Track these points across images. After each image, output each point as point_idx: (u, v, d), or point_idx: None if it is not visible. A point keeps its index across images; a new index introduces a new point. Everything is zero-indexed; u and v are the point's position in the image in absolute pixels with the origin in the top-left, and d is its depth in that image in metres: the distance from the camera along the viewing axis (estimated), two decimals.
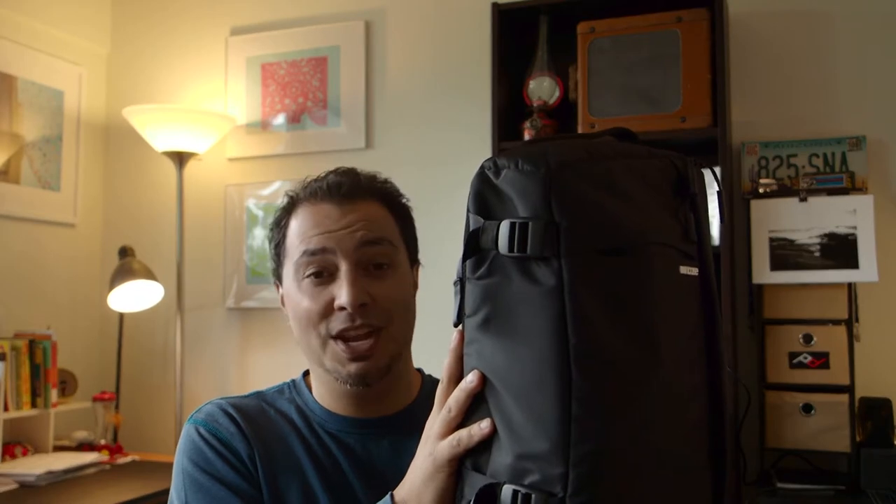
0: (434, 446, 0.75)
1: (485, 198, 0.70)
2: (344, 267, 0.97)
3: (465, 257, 0.71)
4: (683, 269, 0.71)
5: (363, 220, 1.00)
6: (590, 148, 0.70)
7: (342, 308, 0.96)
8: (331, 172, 1.04)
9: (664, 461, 0.67)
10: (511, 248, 0.66)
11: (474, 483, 0.70)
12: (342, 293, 0.96)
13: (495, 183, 0.69)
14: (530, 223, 0.66)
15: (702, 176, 0.77)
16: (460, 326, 0.73)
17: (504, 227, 0.67)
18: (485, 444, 0.70)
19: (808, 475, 2.10)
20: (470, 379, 0.71)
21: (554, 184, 0.66)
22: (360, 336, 0.97)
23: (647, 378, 0.66)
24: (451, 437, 0.73)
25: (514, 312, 0.67)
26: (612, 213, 0.67)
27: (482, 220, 0.70)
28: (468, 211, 0.72)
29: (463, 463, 0.72)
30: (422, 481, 0.77)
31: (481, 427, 0.70)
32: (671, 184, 0.73)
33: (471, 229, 0.71)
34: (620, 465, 0.64)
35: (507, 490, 0.66)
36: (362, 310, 0.96)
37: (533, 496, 0.64)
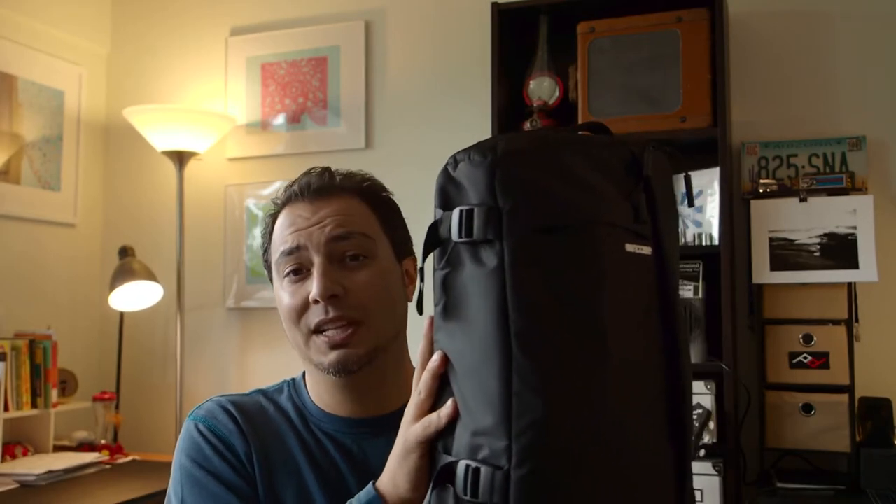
0: (407, 429, 0.77)
1: (446, 191, 0.73)
2: (316, 261, 0.99)
3: (425, 248, 0.74)
4: (630, 248, 0.73)
5: (334, 214, 1.01)
6: (543, 136, 0.74)
7: (315, 301, 0.97)
8: (304, 174, 1.05)
9: (615, 436, 0.69)
10: (460, 234, 0.70)
11: (441, 464, 0.72)
12: (313, 286, 0.98)
13: (453, 175, 0.72)
14: (475, 209, 0.69)
15: (663, 161, 0.78)
16: (433, 313, 0.76)
17: (455, 214, 0.71)
18: (452, 426, 0.72)
19: (808, 475, 2.10)
20: (433, 359, 0.74)
21: (498, 170, 0.69)
22: (337, 328, 0.98)
23: (591, 352, 0.68)
24: (422, 421, 0.75)
25: (465, 295, 0.71)
26: (555, 194, 0.69)
27: (441, 212, 0.73)
28: (434, 206, 0.75)
29: (435, 447, 0.75)
30: (396, 464, 0.79)
31: (447, 408, 0.72)
32: (625, 167, 0.74)
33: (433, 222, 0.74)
34: (562, 437, 0.66)
35: (461, 466, 0.69)
36: (335, 301, 0.97)
37: (482, 469, 0.67)
